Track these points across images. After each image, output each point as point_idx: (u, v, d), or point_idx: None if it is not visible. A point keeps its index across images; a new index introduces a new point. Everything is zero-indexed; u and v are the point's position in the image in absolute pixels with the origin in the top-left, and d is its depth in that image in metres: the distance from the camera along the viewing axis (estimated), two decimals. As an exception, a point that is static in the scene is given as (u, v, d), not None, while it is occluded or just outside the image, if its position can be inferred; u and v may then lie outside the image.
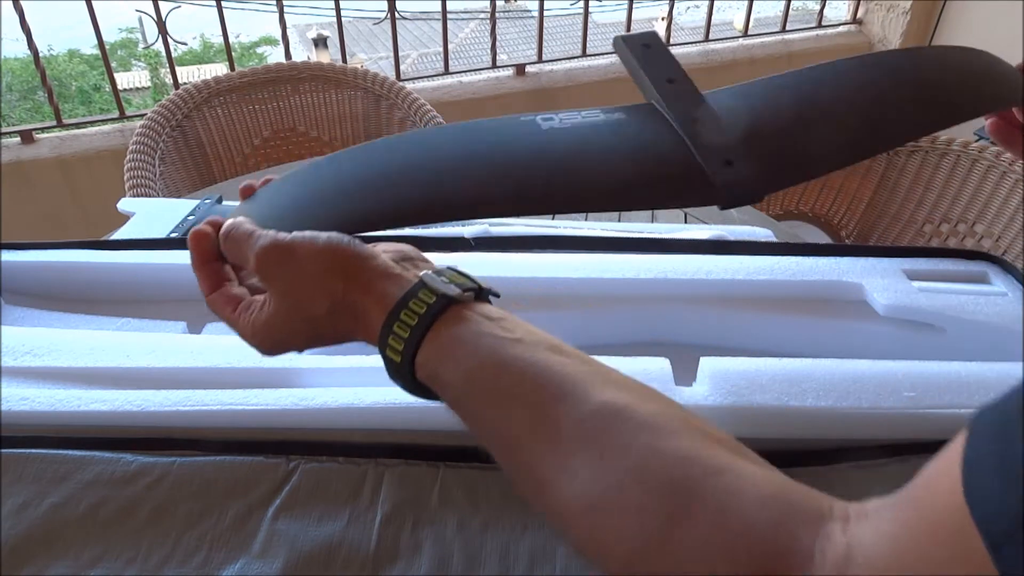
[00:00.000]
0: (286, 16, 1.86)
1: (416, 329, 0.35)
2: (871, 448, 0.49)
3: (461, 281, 0.37)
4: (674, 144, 0.42)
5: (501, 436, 0.33)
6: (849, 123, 0.45)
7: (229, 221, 0.42)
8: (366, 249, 0.39)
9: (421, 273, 0.37)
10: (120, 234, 0.79)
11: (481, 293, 0.37)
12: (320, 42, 12.04)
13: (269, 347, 0.41)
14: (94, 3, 1.68)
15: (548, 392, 0.32)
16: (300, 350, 0.41)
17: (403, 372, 0.35)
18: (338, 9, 1.91)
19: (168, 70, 1.89)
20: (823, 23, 2.49)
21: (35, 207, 1.78)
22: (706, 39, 2.31)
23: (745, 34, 2.37)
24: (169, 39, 1.77)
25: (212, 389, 0.52)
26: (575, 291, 0.65)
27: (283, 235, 0.39)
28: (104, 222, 0.90)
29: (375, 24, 1.98)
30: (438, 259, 0.66)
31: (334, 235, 0.39)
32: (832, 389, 0.51)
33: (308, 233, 0.39)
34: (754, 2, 2.32)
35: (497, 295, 0.38)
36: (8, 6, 1.59)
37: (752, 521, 0.26)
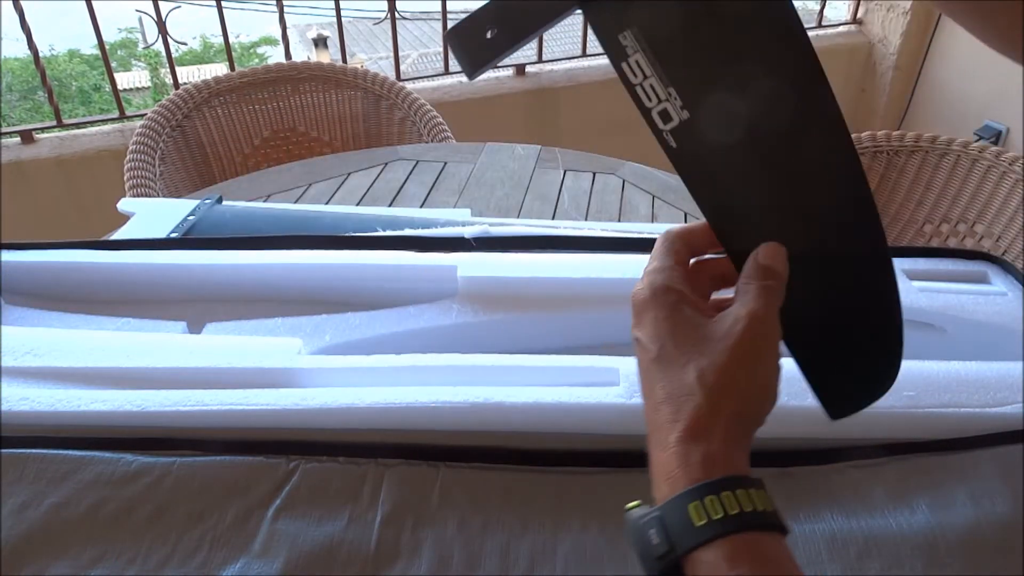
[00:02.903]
0: (286, 16, 1.86)
1: (743, 517, 0.30)
2: (871, 448, 0.48)
3: (774, 508, 0.32)
4: None
5: None
6: None
7: None
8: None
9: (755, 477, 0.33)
10: (120, 234, 0.79)
11: (783, 530, 0.33)
12: (320, 42, 12.02)
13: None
14: (94, 3, 1.68)
15: None
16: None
17: (685, 540, 0.31)
18: (338, 9, 1.91)
19: (168, 70, 1.89)
20: (823, 23, 2.49)
21: (35, 207, 1.78)
22: (706, 39, 2.30)
23: (745, 34, 2.37)
24: (169, 39, 1.77)
25: (212, 389, 0.52)
26: (575, 291, 0.64)
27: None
28: (104, 222, 0.90)
29: (375, 24, 1.98)
30: (438, 259, 0.68)
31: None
32: (832, 389, 0.51)
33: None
34: (754, 2, 2.32)
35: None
36: (8, 6, 1.60)
37: None
